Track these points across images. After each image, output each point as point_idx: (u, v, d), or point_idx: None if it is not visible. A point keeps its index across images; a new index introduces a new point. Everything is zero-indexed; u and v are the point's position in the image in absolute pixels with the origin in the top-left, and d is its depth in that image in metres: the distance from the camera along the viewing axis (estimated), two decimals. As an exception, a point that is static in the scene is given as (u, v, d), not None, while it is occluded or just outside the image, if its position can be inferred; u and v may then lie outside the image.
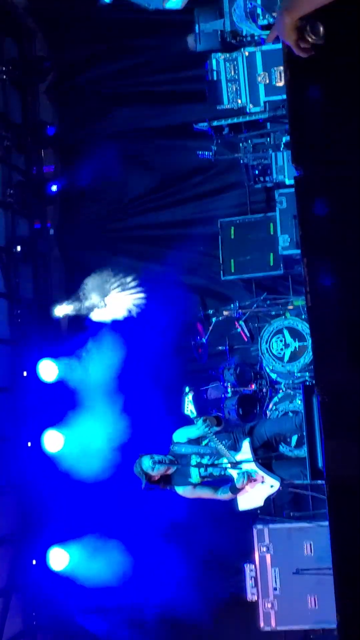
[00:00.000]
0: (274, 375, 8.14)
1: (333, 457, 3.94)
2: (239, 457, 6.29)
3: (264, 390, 8.24)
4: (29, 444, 8.93)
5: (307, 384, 6.92)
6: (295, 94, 3.85)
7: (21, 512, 8.90)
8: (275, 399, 8.06)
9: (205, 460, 6.34)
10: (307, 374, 7.81)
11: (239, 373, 8.21)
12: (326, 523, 4.14)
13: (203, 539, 7.98)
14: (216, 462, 6.28)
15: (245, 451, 6.38)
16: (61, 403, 8.88)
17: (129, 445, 8.14)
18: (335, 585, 4.01)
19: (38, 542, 8.69)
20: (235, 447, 6.35)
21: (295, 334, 7.89)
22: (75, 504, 8.74)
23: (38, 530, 8.76)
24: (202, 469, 6.35)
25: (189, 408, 6.47)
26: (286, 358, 7.92)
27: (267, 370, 8.16)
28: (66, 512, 8.77)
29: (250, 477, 6.21)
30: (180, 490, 6.42)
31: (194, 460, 6.36)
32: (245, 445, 6.40)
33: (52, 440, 8.75)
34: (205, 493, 6.45)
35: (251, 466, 6.30)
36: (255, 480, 6.25)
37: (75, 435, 8.71)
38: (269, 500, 6.69)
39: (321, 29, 2.46)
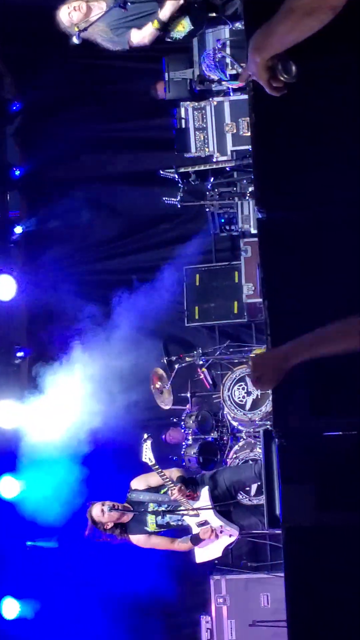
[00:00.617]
0: (235, 423, 8.09)
1: (289, 503, 3.90)
2: (197, 505, 6.23)
3: (225, 438, 8.19)
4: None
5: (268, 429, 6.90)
6: (259, 138, 3.89)
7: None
8: (236, 447, 8.01)
9: (163, 508, 6.27)
10: (268, 422, 7.77)
11: (200, 420, 8.16)
12: (283, 574, 4.07)
13: (158, 589, 7.81)
14: (174, 510, 6.21)
15: (204, 499, 6.32)
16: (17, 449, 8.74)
17: (87, 493, 8.01)
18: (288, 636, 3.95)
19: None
20: (194, 498, 6.30)
21: (257, 382, 7.86)
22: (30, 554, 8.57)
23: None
24: (159, 517, 6.28)
25: (147, 456, 6.42)
26: (248, 406, 7.88)
27: (229, 417, 8.11)
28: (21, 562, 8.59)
29: (212, 529, 6.16)
30: (135, 538, 6.32)
31: (151, 507, 6.29)
32: (204, 492, 6.34)
33: (9, 486, 8.58)
34: (162, 543, 6.37)
35: (209, 515, 6.24)
36: (213, 530, 6.20)
37: (32, 482, 8.55)
38: (227, 550, 6.62)
39: (293, 67, 2.47)
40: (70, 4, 5.84)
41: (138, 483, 6.70)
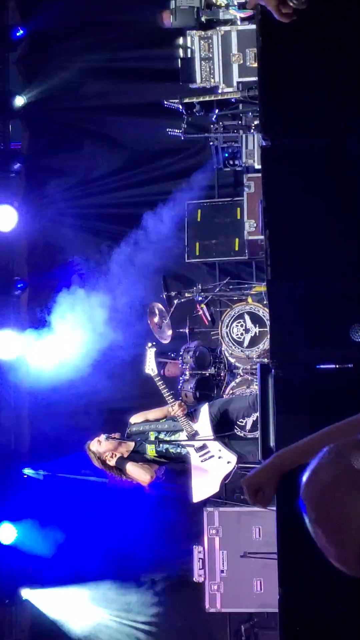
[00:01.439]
0: (232, 360, 8.12)
1: (283, 433, 3.92)
2: (196, 426, 6.29)
3: (222, 374, 8.22)
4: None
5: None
6: (266, 63, 3.81)
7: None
8: (233, 383, 8.04)
9: (162, 435, 6.34)
10: (266, 360, 7.79)
11: (198, 356, 8.18)
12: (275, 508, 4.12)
13: (152, 519, 7.94)
14: (173, 437, 6.27)
15: (203, 418, 6.37)
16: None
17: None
18: (278, 568, 4.01)
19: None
20: (193, 418, 6.37)
21: (256, 319, 7.87)
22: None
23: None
24: (158, 445, 6.34)
25: (150, 366, 6.46)
26: (246, 343, 7.89)
27: (226, 354, 8.14)
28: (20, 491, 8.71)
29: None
30: (129, 465, 6.37)
31: (152, 436, 6.35)
32: (204, 410, 6.39)
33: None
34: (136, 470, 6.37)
35: (208, 435, 6.31)
36: (211, 456, 6.25)
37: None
38: (223, 483, 6.69)
39: None
40: None
41: (137, 418, 6.75)
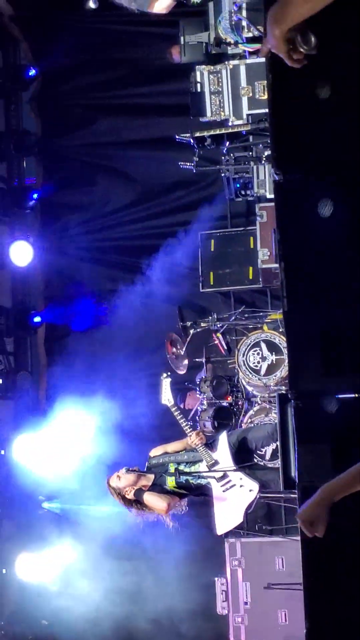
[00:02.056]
0: (250, 389, 8.13)
1: (305, 463, 3.93)
2: (216, 455, 6.28)
3: (240, 403, 8.22)
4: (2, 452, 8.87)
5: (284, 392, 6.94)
6: (277, 100, 3.87)
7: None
8: (251, 412, 8.04)
9: (182, 466, 6.33)
10: (284, 387, 7.80)
11: (215, 385, 8.20)
12: (299, 537, 4.12)
13: (174, 551, 7.91)
14: (193, 468, 6.26)
15: (222, 447, 6.36)
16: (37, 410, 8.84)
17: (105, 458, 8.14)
18: (305, 599, 3.98)
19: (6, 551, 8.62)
20: (212, 447, 6.36)
21: (273, 347, 7.88)
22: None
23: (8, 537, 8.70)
24: (177, 476, 6.32)
25: (166, 396, 6.46)
26: (263, 371, 7.90)
27: (244, 383, 8.15)
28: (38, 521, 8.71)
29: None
30: (146, 495, 6.36)
31: (172, 468, 6.34)
32: (222, 439, 6.38)
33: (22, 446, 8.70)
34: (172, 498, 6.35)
35: (228, 464, 6.29)
36: (233, 485, 6.23)
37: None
38: (246, 513, 6.66)
39: (312, 38, 2.45)
40: None
41: (156, 451, 6.74)
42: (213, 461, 6.28)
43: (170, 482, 6.37)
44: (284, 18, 2.37)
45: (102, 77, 9.10)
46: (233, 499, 6.31)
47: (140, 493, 6.31)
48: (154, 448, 6.81)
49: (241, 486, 6.29)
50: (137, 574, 8.20)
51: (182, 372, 8.41)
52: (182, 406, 8.13)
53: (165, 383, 6.55)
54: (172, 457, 6.47)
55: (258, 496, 6.42)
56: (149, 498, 6.26)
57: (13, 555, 8.67)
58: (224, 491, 6.32)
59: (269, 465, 7.16)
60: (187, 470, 6.37)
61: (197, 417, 8.05)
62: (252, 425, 7.81)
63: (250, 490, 6.33)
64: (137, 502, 6.39)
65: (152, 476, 6.47)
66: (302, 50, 2.44)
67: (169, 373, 6.72)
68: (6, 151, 9.53)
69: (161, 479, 6.39)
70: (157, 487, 6.42)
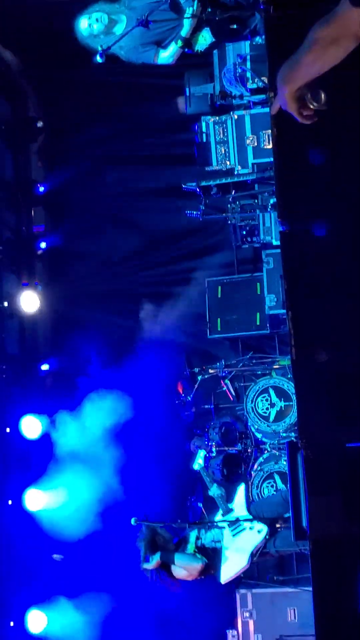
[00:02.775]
0: (259, 435, 8.09)
1: (316, 514, 3.90)
2: (231, 505, 6.27)
3: (249, 450, 8.19)
4: (10, 502, 8.81)
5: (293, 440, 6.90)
6: (282, 152, 3.92)
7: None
8: (261, 459, 8.01)
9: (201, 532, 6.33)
10: (293, 434, 7.77)
11: (224, 432, 8.17)
12: (311, 588, 4.07)
13: (184, 602, 7.81)
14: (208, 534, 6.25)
15: (240, 498, 6.35)
16: (45, 461, 8.81)
17: (116, 508, 8.08)
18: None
19: (15, 604, 8.50)
20: (228, 498, 6.35)
21: (281, 393, 7.88)
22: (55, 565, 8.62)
23: (16, 591, 8.58)
24: (197, 540, 6.32)
25: (199, 462, 6.47)
26: (272, 418, 7.89)
27: (253, 429, 8.12)
28: (46, 574, 8.63)
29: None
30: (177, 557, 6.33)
31: (192, 536, 6.34)
32: (240, 491, 6.38)
33: (34, 499, 8.64)
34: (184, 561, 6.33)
35: (242, 510, 6.27)
36: (243, 529, 6.21)
37: (59, 494, 8.61)
38: (252, 563, 6.60)
39: (322, 95, 2.49)
40: (90, 14, 5.82)
41: None
42: (228, 510, 6.28)
43: (190, 548, 6.36)
44: (294, 78, 2.42)
45: (109, 129, 9.24)
46: (241, 543, 6.28)
47: (169, 556, 6.29)
48: None
49: (250, 528, 6.27)
50: (145, 627, 8.07)
51: (191, 418, 8.40)
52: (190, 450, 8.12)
53: (200, 454, 6.58)
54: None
55: (266, 538, 6.35)
56: (181, 558, 6.26)
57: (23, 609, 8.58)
58: (233, 536, 6.29)
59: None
60: (202, 535, 6.37)
61: (206, 465, 8.00)
62: (262, 473, 7.74)
63: (259, 532, 6.29)
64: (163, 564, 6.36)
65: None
66: (312, 107, 2.48)
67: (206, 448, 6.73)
68: (14, 201, 9.65)
69: (182, 546, 6.39)
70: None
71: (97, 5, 5.55)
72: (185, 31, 5.75)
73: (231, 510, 6.28)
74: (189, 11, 5.63)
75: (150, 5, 5.88)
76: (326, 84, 2.50)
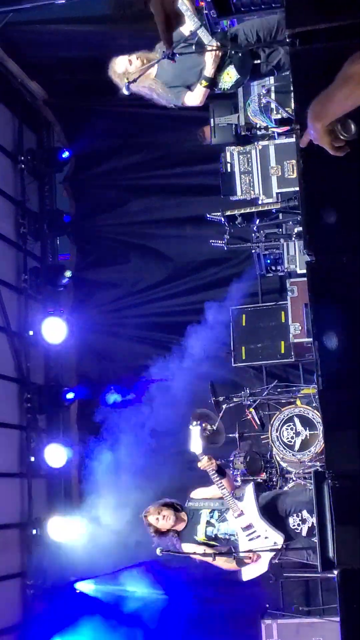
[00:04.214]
0: (284, 464, 8.05)
1: (344, 545, 3.87)
2: (242, 505, 6.23)
3: (275, 479, 8.14)
4: (34, 532, 8.81)
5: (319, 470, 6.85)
6: (308, 183, 3.95)
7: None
8: (286, 488, 7.95)
9: (213, 519, 6.30)
10: (318, 463, 7.72)
11: (249, 461, 8.13)
12: (337, 619, 4.02)
13: (210, 633, 7.75)
14: (223, 522, 6.21)
15: (248, 499, 6.31)
16: (70, 488, 8.83)
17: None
18: None
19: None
20: (239, 498, 6.32)
21: (306, 422, 7.84)
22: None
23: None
24: (208, 528, 6.28)
25: (196, 444, 6.43)
26: (297, 447, 7.85)
27: (278, 458, 8.08)
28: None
29: (256, 554, 6.11)
30: (185, 546, 6.32)
31: (204, 517, 6.31)
32: (249, 490, 6.34)
33: (60, 527, 8.65)
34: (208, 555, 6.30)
35: (254, 517, 6.22)
36: (258, 536, 6.15)
37: (83, 523, 8.61)
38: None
39: (352, 126, 2.52)
40: (131, 55, 5.91)
41: (196, 493, 6.72)
42: (239, 510, 6.23)
43: (200, 536, 6.33)
44: (327, 114, 2.44)
45: (134, 159, 9.34)
46: (258, 548, 6.22)
47: (199, 549, 6.28)
48: (194, 490, 6.74)
49: (266, 537, 6.22)
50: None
51: (217, 446, 8.36)
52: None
53: (195, 431, 6.50)
54: (206, 503, 6.43)
55: (284, 547, 6.29)
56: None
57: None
58: (249, 540, 6.26)
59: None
60: (216, 524, 6.34)
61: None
62: (291, 490, 7.69)
63: (274, 543, 6.24)
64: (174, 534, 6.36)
65: (185, 516, 6.44)
66: (342, 137, 2.50)
67: (198, 421, 6.65)
68: (40, 231, 9.75)
69: (193, 529, 6.35)
70: (188, 537, 6.36)
71: (138, 52, 5.69)
72: (208, 71, 5.80)
73: (242, 513, 6.24)
74: (211, 53, 5.71)
75: (179, 51, 5.97)
76: (355, 114, 2.52)
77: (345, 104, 2.37)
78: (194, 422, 6.56)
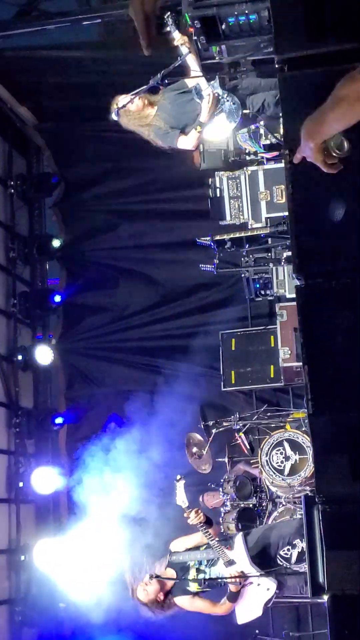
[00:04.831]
0: (274, 489, 8.01)
1: (334, 570, 3.85)
2: (232, 554, 6.19)
3: (264, 504, 8.09)
4: (23, 558, 8.73)
5: (309, 494, 6.82)
6: (296, 207, 3.97)
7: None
8: (276, 513, 7.91)
9: (203, 566, 6.24)
10: (308, 487, 7.69)
11: (238, 486, 8.09)
12: (327, 645, 3.99)
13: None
14: (213, 566, 6.17)
15: (239, 548, 6.27)
16: (58, 514, 8.75)
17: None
18: None
19: None
20: (229, 547, 6.27)
21: (296, 446, 7.81)
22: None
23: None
24: (200, 575, 6.24)
25: (181, 498, 6.40)
26: (286, 471, 7.80)
27: (267, 483, 8.04)
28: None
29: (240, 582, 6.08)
30: (179, 601, 6.26)
31: (193, 568, 6.25)
32: (238, 540, 6.29)
33: (46, 552, 8.55)
34: (205, 606, 6.29)
35: (245, 565, 6.18)
36: (250, 582, 6.11)
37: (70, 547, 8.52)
38: (267, 618, 6.50)
39: (345, 143, 2.53)
40: (134, 94, 6.08)
41: (176, 545, 6.65)
42: (229, 559, 6.19)
43: (193, 585, 6.27)
44: (320, 133, 2.46)
45: (124, 184, 9.37)
46: (251, 594, 6.19)
47: (194, 602, 6.24)
48: (174, 541, 6.70)
49: (258, 585, 6.18)
50: None
51: (206, 471, 8.32)
52: (202, 502, 8.03)
53: (179, 486, 6.50)
54: (192, 555, 6.37)
55: (276, 593, 6.26)
56: (202, 605, 6.22)
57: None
58: (241, 587, 6.22)
59: (294, 569, 6.99)
60: (206, 570, 6.28)
61: (220, 519, 7.91)
62: (276, 522, 7.66)
63: (267, 589, 6.20)
64: (165, 597, 6.29)
65: (173, 573, 6.36)
66: (335, 155, 2.51)
67: (182, 475, 6.67)
68: (30, 255, 9.76)
69: (184, 583, 6.28)
70: (180, 590, 6.30)
71: (141, 91, 5.92)
72: (203, 117, 6.08)
73: (233, 562, 6.19)
74: (207, 100, 6.00)
75: (177, 96, 6.25)
76: (348, 131, 2.54)
77: (339, 124, 2.40)
78: (178, 477, 6.57)
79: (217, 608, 6.24)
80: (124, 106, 5.90)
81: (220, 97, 6.01)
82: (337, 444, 3.81)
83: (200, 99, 5.94)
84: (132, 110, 6.19)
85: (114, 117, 6.33)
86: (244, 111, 6.17)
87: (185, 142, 6.30)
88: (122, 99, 6.15)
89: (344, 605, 3.78)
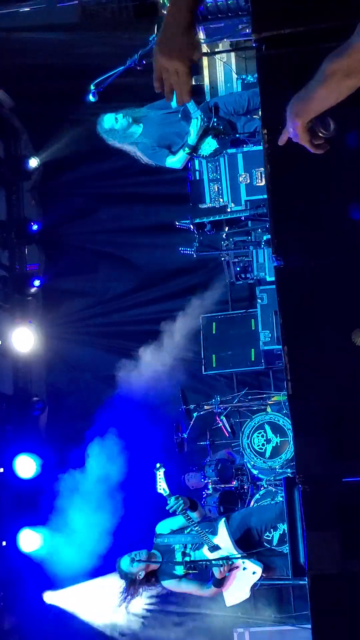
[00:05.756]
0: (255, 472, 8.03)
1: (314, 550, 3.86)
2: (216, 540, 6.20)
3: (246, 487, 8.11)
4: (4, 543, 8.71)
5: (289, 476, 6.85)
6: (275, 186, 3.95)
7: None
8: (257, 495, 7.93)
9: (188, 550, 6.27)
10: (289, 470, 7.72)
11: (220, 469, 8.11)
12: (309, 625, 4.02)
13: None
14: (198, 550, 6.19)
15: (222, 533, 6.29)
16: (39, 500, 8.73)
17: (113, 543, 8.01)
18: None
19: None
20: (212, 532, 6.29)
21: (277, 429, 7.83)
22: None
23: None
24: (185, 559, 6.27)
25: (162, 486, 6.43)
26: (267, 454, 7.83)
27: (249, 466, 8.06)
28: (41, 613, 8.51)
29: (229, 564, 6.09)
30: (167, 584, 6.29)
31: (178, 551, 6.27)
32: (221, 526, 6.31)
33: (29, 540, 8.55)
34: (191, 588, 6.33)
35: (230, 550, 6.20)
36: (236, 567, 6.14)
37: (54, 534, 8.52)
38: (250, 600, 6.53)
39: (331, 123, 2.50)
40: (118, 113, 6.32)
41: (162, 527, 6.67)
42: (213, 545, 6.20)
43: (179, 569, 6.30)
44: (307, 111, 2.41)
45: (102, 167, 9.29)
46: (237, 578, 6.22)
47: (180, 584, 6.27)
48: (159, 523, 6.71)
49: (244, 569, 6.21)
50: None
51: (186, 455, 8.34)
52: (185, 484, 8.06)
53: (159, 474, 6.52)
54: (177, 538, 6.39)
55: (262, 576, 6.29)
56: (188, 587, 6.23)
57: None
58: (228, 571, 6.25)
59: (276, 550, 7.02)
60: (192, 553, 6.30)
61: (202, 502, 7.93)
62: (257, 506, 7.69)
63: (253, 573, 6.24)
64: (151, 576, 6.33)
65: (155, 556, 6.39)
66: (321, 135, 2.48)
67: (162, 464, 6.69)
68: (8, 239, 9.69)
69: (171, 566, 6.30)
70: (167, 574, 6.33)
71: (126, 110, 6.18)
72: (192, 140, 6.45)
73: (218, 547, 6.21)
74: (196, 122, 6.40)
75: (164, 116, 6.40)
76: (333, 111, 2.51)
77: (327, 101, 2.35)
78: (157, 465, 6.59)
79: (204, 591, 6.28)
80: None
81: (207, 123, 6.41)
82: (316, 424, 3.82)
83: (187, 121, 6.16)
84: (117, 129, 6.44)
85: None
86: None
87: (174, 163, 6.55)
88: (106, 120, 6.41)
89: (324, 585, 3.79)
